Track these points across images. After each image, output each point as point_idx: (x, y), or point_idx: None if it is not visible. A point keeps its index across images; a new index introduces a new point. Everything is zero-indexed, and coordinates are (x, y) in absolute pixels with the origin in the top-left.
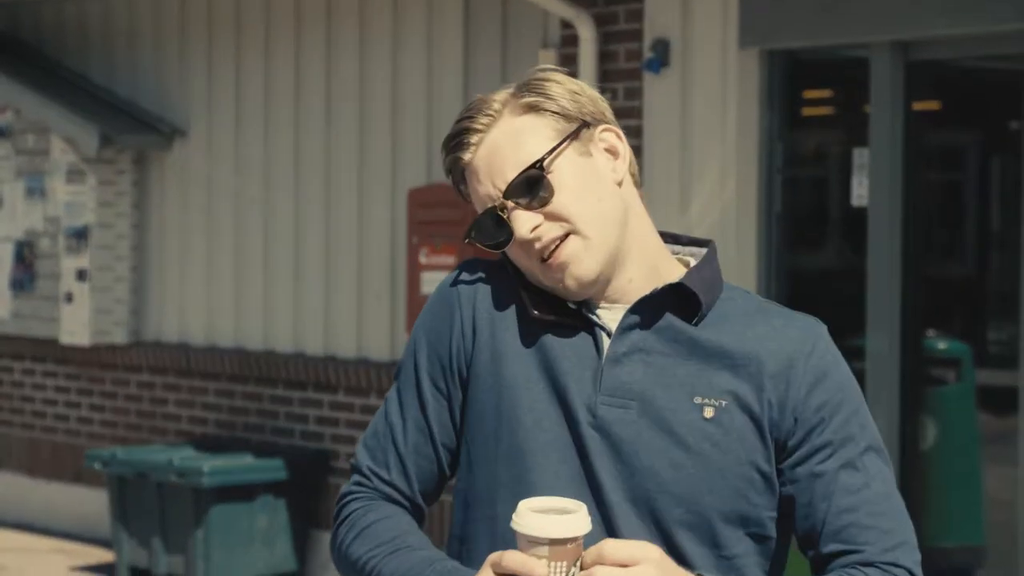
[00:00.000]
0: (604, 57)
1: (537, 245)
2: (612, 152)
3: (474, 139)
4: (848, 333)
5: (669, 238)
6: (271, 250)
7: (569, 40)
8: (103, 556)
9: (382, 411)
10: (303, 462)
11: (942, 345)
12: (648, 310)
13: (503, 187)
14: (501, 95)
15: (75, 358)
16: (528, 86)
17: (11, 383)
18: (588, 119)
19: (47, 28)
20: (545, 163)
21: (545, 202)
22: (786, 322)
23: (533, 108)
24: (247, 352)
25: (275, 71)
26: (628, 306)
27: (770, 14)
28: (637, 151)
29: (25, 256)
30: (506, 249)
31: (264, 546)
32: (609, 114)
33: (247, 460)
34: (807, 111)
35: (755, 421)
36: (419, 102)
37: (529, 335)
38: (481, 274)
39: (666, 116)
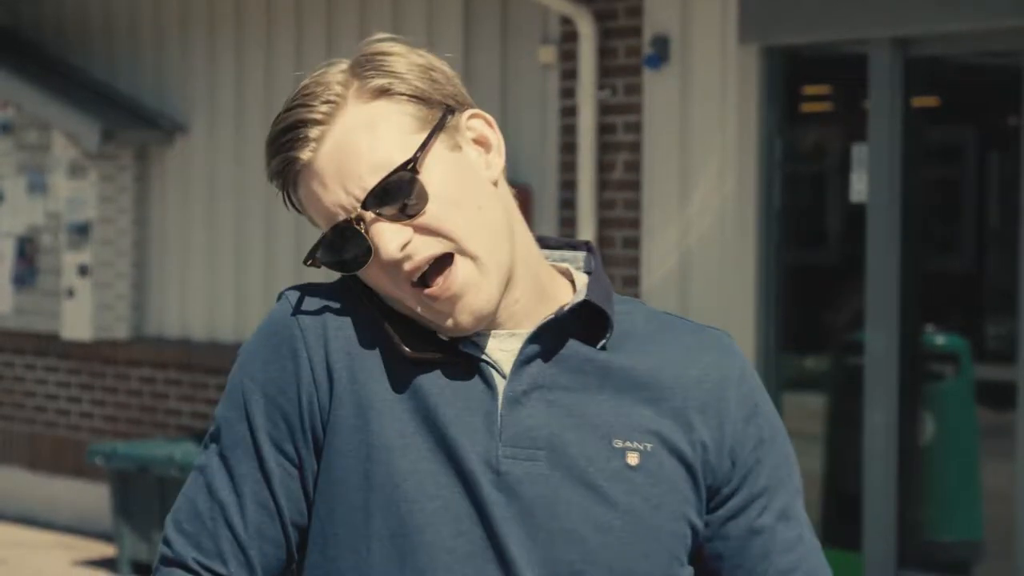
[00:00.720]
0: (604, 53)
1: (408, 265)
2: (482, 143)
3: (314, 133)
4: (847, 329)
5: (536, 241)
6: (272, 245)
7: (569, 36)
8: (104, 550)
9: (199, 486)
10: None
11: (941, 340)
12: (549, 335)
13: (360, 194)
14: (338, 75)
15: (77, 353)
16: (371, 63)
17: (13, 378)
18: (451, 103)
19: (48, 23)
20: (417, 159)
21: (417, 212)
22: (698, 339)
23: (384, 92)
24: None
25: (276, 67)
26: (515, 331)
27: (769, 10)
28: (636, 147)
29: (27, 251)
30: (360, 271)
31: None
32: (467, 96)
33: None
34: (806, 107)
35: (687, 467)
36: None
37: (399, 378)
38: (326, 302)
39: (666, 112)
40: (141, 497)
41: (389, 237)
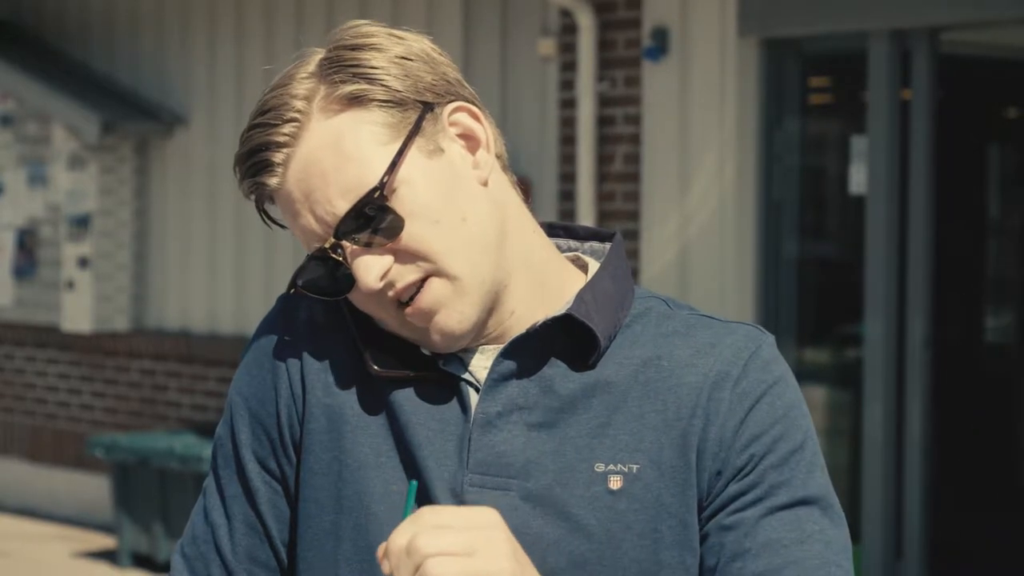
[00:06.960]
0: (603, 45)
1: (391, 293)
2: (469, 138)
3: (278, 158)
4: (845, 320)
5: (561, 230)
6: (272, 237)
7: (568, 28)
8: (105, 542)
9: (199, 508)
10: None
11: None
12: (527, 351)
13: (332, 221)
14: (303, 85)
15: (77, 345)
16: (341, 63)
17: (13, 370)
18: (428, 97)
19: (48, 16)
20: (385, 184)
21: (393, 235)
22: (715, 337)
23: (355, 100)
24: (248, 339)
25: (276, 58)
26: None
27: (768, 2)
28: (636, 139)
29: (27, 243)
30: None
31: None
32: (453, 74)
33: None
34: (805, 99)
35: (683, 484)
36: None
37: (377, 394)
38: (313, 311)
39: (665, 104)
40: (141, 489)
41: (367, 267)
